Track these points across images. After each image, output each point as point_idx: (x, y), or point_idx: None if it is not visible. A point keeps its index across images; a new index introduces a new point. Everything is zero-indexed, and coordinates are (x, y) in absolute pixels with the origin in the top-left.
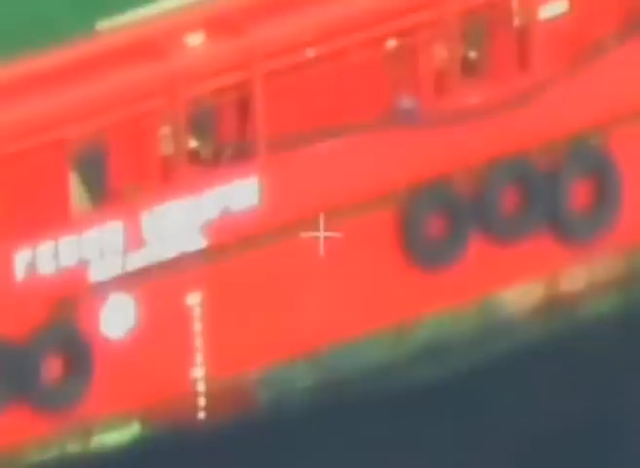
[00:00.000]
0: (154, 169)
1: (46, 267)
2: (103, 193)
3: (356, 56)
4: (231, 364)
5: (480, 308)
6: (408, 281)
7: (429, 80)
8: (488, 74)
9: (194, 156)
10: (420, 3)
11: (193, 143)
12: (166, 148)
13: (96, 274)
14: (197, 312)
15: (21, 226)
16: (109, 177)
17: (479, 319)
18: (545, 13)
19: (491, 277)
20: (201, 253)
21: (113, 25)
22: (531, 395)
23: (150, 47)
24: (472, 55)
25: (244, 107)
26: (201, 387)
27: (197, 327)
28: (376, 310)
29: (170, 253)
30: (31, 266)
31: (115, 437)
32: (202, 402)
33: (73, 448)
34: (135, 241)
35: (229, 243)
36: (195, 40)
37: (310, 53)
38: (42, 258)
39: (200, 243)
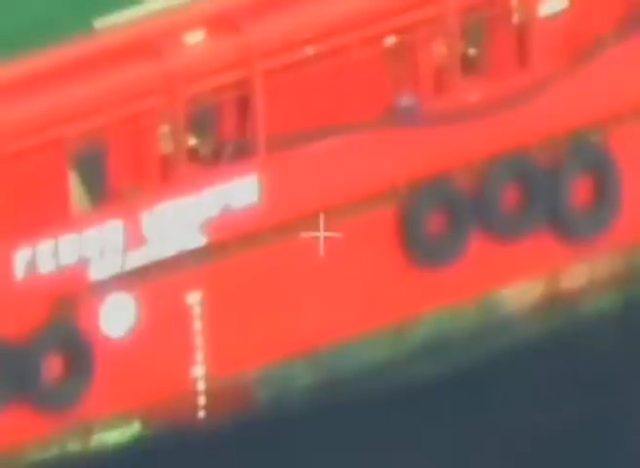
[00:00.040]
0: (154, 167)
1: (46, 266)
2: (103, 192)
3: (355, 53)
4: (231, 362)
5: (480, 306)
6: (408, 279)
7: (429, 77)
8: (487, 71)
9: (194, 154)
10: (419, 0)
11: (193, 142)
12: (165, 147)
13: (96, 273)
14: (197, 311)
15: (21, 225)
16: (109, 176)
17: (479, 316)
18: (545, 10)
19: (491, 274)
20: (201, 252)
21: (112, 24)
22: (531, 393)
23: (149, 45)
24: (472, 52)
25: (243, 105)
26: (201, 386)
27: (197, 325)
28: (376, 308)
29: (170, 251)
30: (31, 265)
31: (116, 436)
32: (202, 400)
33: (74, 447)
34: (135, 239)
35: (229, 241)
36: (194, 38)
37: (309, 50)
38: (42, 257)
39: (200, 241)
